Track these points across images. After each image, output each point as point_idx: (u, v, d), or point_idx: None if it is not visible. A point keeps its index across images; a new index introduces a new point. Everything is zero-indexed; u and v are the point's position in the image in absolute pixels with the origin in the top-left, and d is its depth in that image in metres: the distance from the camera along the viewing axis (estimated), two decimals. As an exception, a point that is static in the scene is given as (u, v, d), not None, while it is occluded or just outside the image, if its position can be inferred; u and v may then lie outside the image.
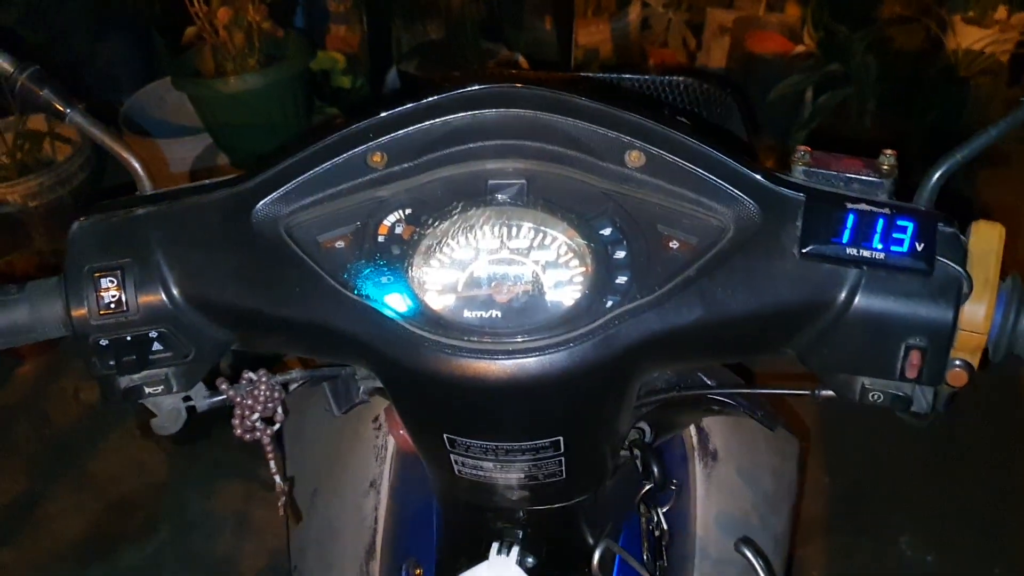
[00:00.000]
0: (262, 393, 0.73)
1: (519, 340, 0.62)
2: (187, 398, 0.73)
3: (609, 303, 0.63)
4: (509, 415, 0.66)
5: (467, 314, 0.64)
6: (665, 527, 0.89)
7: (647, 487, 0.84)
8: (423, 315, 0.64)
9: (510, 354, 0.61)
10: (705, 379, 0.82)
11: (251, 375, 0.73)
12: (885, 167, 0.66)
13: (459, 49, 2.21)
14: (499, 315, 0.64)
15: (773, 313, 0.63)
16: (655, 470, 0.82)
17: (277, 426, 0.75)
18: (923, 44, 3.24)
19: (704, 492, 1.07)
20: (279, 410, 0.74)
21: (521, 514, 0.81)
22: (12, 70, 0.70)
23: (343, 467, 1.16)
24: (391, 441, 1.14)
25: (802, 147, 0.68)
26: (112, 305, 0.65)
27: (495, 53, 2.22)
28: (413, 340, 0.62)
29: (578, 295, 0.64)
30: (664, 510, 0.88)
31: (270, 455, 0.76)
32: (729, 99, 1.15)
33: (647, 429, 0.87)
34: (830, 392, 0.70)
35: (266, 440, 0.75)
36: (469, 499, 0.80)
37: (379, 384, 0.78)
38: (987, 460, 2.22)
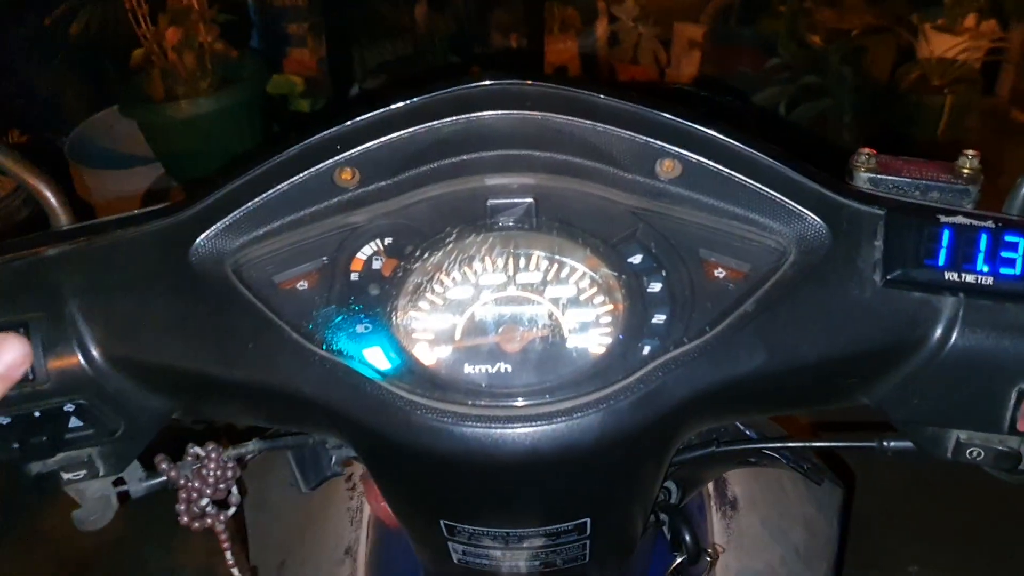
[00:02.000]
0: (211, 472, 0.58)
1: (537, 402, 0.49)
2: (119, 480, 0.59)
3: (646, 349, 0.50)
4: (525, 497, 0.53)
5: (468, 369, 0.51)
6: (700, 604, 0.76)
7: (678, 560, 0.71)
8: (412, 373, 0.50)
9: (527, 421, 0.47)
10: (743, 429, 0.69)
11: (197, 450, 0.59)
12: (967, 171, 0.54)
13: (427, 66, 2.09)
14: (509, 369, 0.51)
15: (851, 356, 0.50)
16: (687, 539, 0.69)
17: (232, 511, 0.61)
18: (896, 54, 3.19)
19: (723, 546, 0.94)
20: (234, 491, 0.60)
21: None
22: None
23: (314, 534, 1.02)
24: (367, 502, 1.00)
25: (865, 149, 0.56)
26: None
27: (464, 70, 2.10)
28: (399, 406, 0.48)
29: (608, 340, 0.51)
30: (700, 583, 0.75)
31: (225, 545, 0.62)
32: (740, 108, 1.04)
33: (673, 488, 0.74)
34: (906, 444, 0.58)
35: (219, 527, 0.60)
36: None
37: (353, 453, 0.64)
38: (998, 486, 2.12)
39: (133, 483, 0.59)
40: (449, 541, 0.57)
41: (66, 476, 0.55)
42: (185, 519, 0.59)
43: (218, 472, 0.58)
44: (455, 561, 0.59)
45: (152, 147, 2.13)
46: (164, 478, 0.59)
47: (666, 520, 0.70)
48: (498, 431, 0.47)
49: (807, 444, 0.65)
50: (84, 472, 0.56)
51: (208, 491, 0.58)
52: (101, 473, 0.56)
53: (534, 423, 0.47)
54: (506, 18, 2.91)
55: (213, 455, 0.58)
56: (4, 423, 0.52)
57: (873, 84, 3.09)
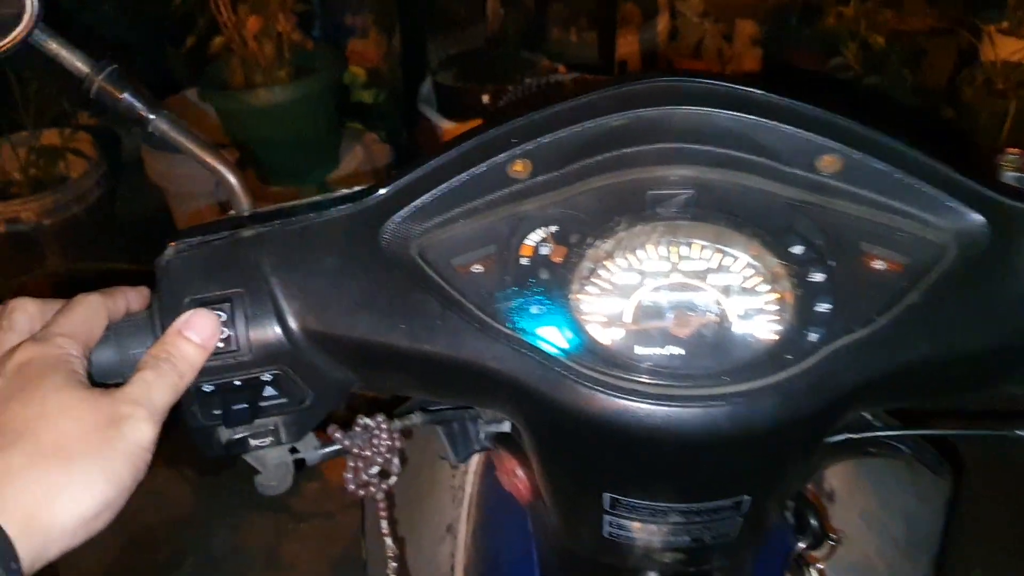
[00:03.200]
0: (382, 442, 0.62)
1: (715, 384, 0.52)
2: (293, 449, 0.63)
3: (813, 336, 0.53)
4: (694, 473, 0.56)
5: (641, 351, 0.54)
6: (821, 585, 0.78)
7: (802, 543, 0.73)
8: (591, 352, 0.53)
9: (707, 401, 0.50)
10: (870, 419, 0.72)
11: (367, 421, 0.63)
12: None
13: (499, 59, 2.12)
14: (681, 352, 0.54)
15: (1009, 345, 0.53)
16: (812, 523, 0.72)
17: (393, 479, 0.64)
18: (958, 56, 3.17)
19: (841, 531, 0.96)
20: (395, 461, 0.64)
21: None
22: (88, 70, 0.59)
23: (417, 511, 1.06)
24: (470, 481, 1.03)
25: (1012, 150, 0.59)
26: (220, 343, 0.55)
27: (535, 63, 2.13)
28: (583, 381, 0.51)
29: (775, 327, 0.54)
30: (822, 567, 0.77)
31: (383, 513, 0.66)
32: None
33: (795, 476, 0.77)
34: None
35: (380, 496, 0.64)
36: (605, 560, 0.70)
37: (503, 429, 0.68)
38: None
39: (308, 451, 0.63)
40: (606, 514, 0.60)
41: (253, 443, 0.59)
42: (352, 486, 0.63)
43: (388, 442, 0.62)
44: (605, 535, 0.62)
45: (229, 133, 2.18)
46: (337, 447, 0.63)
47: (791, 505, 0.73)
48: (679, 410, 0.50)
49: (948, 433, 0.68)
50: (270, 439, 0.59)
51: (378, 459, 0.62)
52: (283, 441, 0.60)
53: (714, 403, 0.50)
54: (575, 12, 2.94)
55: (383, 425, 0.62)
56: (208, 391, 0.56)
57: (935, 86, 3.08)
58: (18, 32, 0.55)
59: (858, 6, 3.00)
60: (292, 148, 2.15)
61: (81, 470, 0.48)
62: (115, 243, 2.73)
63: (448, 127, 2.01)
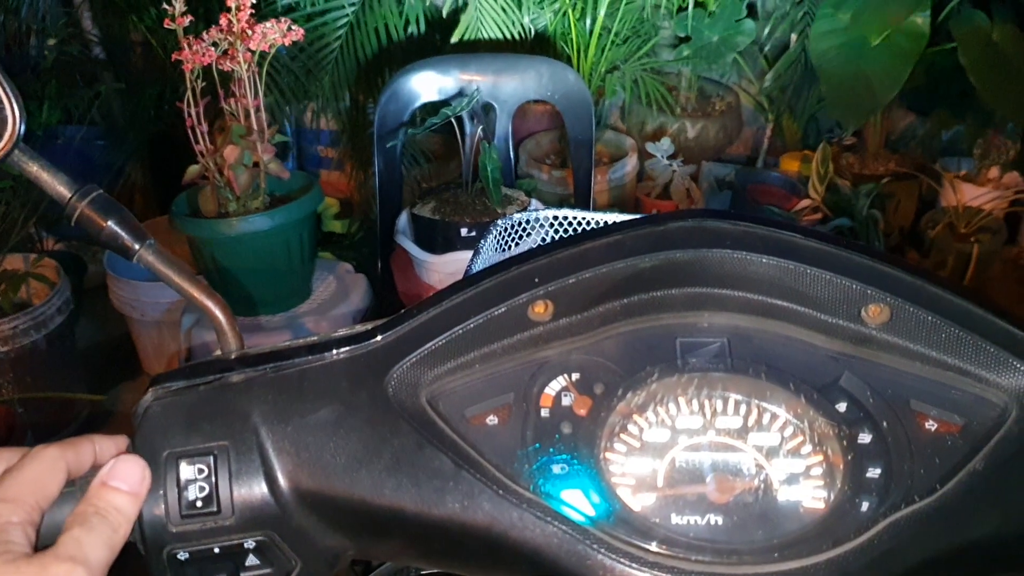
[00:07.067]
0: (377, 619, 0.55)
1: (762, 561, 0.46)
2: None
3: (864, 505, 0.48)
4: None
5: (677, 520, 0.49)
6: None
7: None
8: (623, 521, 0.48)
9: None
10: None
11: (359, 592, 0.55)
12: None
13: (478, 194, 2.11)
14: (720, 522, 0.48)
15: None
16: None
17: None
18: (919, 200, 3.26)
19: None
20: (389, 638, 0.56)
21: None
22: (70, 195, 0.54)
23: None
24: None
25: None
26: (199, 503, 0.48)
27: (513, 199, 2.12)
28: (617, 556, 0.46)
29: (822, 494, 0.49)
30: None
31: None
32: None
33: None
34: None
35: None
36: None
37: None
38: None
39: None
40: None
41: None
42: (340, 669, 0.55)
43: (382, 618, 0.55)
44: None
45: (198, 261, 2.13)
46: (326, 624, 0.55)
47: None
48: None
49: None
50: None
51: (373, 639, 0.55)
52: None
53: None
54: (545, 151, 2.98)
55: (378, 599, 0.55)
56: (183, 559, 0.48)
57: (901, 229, 3.15)
58: (-4, 151, 0.50)
59: (823, 150, 3.08)
60: (263, 276, 2.10)
61: None
62: (74, 371, 2.64)
63: (426, 259, 1.98)
